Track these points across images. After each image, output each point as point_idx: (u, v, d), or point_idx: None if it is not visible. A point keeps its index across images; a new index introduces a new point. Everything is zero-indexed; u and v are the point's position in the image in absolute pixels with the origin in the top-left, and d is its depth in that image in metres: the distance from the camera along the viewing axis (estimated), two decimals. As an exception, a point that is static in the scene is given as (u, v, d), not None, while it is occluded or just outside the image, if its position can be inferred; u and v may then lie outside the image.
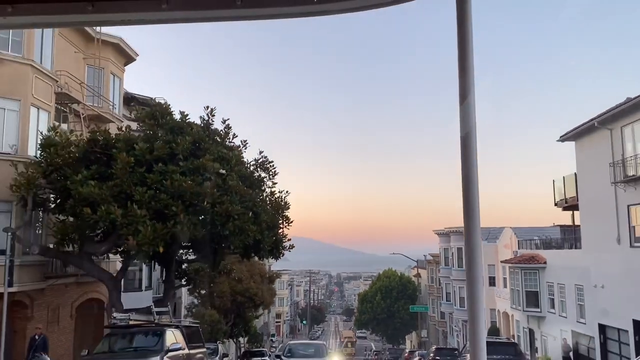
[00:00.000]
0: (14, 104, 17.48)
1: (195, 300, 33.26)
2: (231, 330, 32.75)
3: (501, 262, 36.36)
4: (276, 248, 19.06)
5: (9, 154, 17.27)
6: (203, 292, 30.79)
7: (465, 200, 1.96)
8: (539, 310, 30.37)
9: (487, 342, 11.03)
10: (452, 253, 51.82)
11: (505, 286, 37.52)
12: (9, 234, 16.80)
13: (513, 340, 26.93)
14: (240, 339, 38.26)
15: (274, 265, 52.26)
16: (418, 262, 63.89)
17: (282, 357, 19.59)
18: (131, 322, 14.20)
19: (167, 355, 12.12)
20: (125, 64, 26.54)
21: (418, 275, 69.20)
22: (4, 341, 17.20)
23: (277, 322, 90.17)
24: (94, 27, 23.54)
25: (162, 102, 18.85)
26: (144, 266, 26.28)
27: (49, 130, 17.48)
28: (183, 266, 23.17)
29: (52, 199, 17.16)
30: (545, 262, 30.18)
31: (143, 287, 27.94)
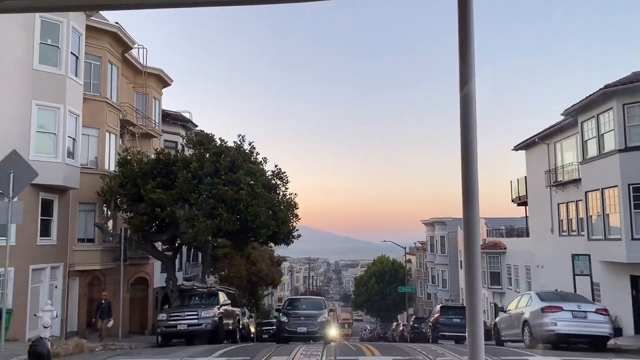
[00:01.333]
0: (94, 131, 23.43)
1: (214, 279, 39.42)
2: (246, 305, 39.01)
3: (483, 250, 42.48)
4: (288, 237, 25.14)
5: (93, 168, 23.28)
6: (222, 273, 36.88)
7: (464, 188, 1.88)
8: (500, 287, 36.63)
9: (448, 307, 19.48)
10: (436, 241, 58.11)
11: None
12: (96, 227, 22.96)
13: (464, 305, 33.14)
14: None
15: (278, 252, 58.49)
16: (407, 248, 70.24)
17: (283, 310, 20.05)
18: (195, 288, 20.24)
19: (220, 308, 18.19)
20: (163, 88, 32.43)
21: (409, 261, 75.54)
22: (79, 305, 23.39)
23: (278, 305, 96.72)
24: (140, 61, 29.46)
25: (208, 132, 24.58)
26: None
27: (123, 151, 23.55)
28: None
29: (126, 202, 23.17)
30: (505, 248, 36.43)
31: (176, 268, 34.16)
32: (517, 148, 32.09)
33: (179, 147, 25.33)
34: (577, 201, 24.74)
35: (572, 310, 12.95)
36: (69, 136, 20.34)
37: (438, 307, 26.91)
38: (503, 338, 17.15)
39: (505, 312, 17.55)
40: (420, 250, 68.78)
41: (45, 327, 13.44)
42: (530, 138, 29.79)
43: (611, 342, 14.43)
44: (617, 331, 18.74)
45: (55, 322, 17.88)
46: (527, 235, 32.60)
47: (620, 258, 20.11)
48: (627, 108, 19.71)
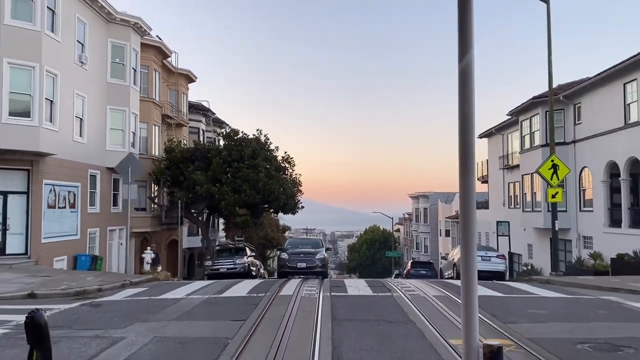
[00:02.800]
0: (145, 125, 29.80)
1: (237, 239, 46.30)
2: (256, 264, 46.06)
3: (445, 218, 49.63)
4: (294, 208, 31.81)
5: (144, 154, 29.73)
6: (241, 237, 43.69)
7: (461, 157, 1.97)
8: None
9: (417, 262, 28.41)
10: (420, 212, 65.11)
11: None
12: (148, 199, 29.59)
13: (430, 261, 40.23)
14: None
15: (283, 221, 65.46)
16: (396, 219, 77.34)
17: (285, 248, 21.04)
18: (229, 244, 27.05)
19: (248, 258, 24.94)
20: (189, 84, 38.61)
21: (397, 230, 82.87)
22: (135, 257, 30.18)
23: (279, 247, 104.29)
24: (173, 63, 35.54)
25: (235, 128, 30.97)
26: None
27: (168, 141, 30.03)
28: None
29: (170, 180, 29.70)
30: (454, 218, 43.39)
31: (199, 233, 40.99)
32: (481, 136, 38.62)
33: (213, 139, 31.96)
34: (518, 182, 31.47)
35: (481, 256, 19.67)
36: (132, 131, 26.80)
37: (410, 262, 33.89)
38: (445, 275, 24.12)
39: (446, 259, 24.47)
40: (407, 221, 75.96)
41: (147, 263, 20.14)
42: (490, 129, 36.33)
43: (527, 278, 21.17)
44: (538, 272, 25.72)
45: (122, 263, 24.64)
46: (488, 208, 39.45)
47: (542, 225, 26.94)
48: (549, 114, 26.24)
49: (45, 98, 18.63)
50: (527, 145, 28.63)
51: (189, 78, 37.78)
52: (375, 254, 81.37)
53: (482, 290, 14.26)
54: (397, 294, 13.12)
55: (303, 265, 18.99)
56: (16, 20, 17.73)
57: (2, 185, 18.72)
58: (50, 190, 20.23)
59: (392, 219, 66.22)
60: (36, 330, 2.07)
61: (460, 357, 7.13)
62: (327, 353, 7.21)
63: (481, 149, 39.76)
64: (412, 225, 69.37)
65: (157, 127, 31.33)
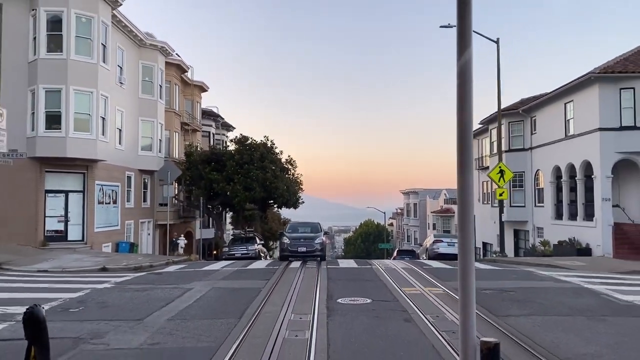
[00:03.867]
0: (167, 132, 34.24)
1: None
2: (260, 255, 50.72)
3: (431, 212, 54.30)
4: (295, 203, 36.34)
5: (167, 157, 34.16)
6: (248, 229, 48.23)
7: (459, 152, 1.95)
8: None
9: (402, 250, 34.05)
10: (411, 207, 69.74)
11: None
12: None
13: (413, 249, 44.88)
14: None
15: (284, 215, 70.01)
16: (389, 213, 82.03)
17: (286, 233, 21.93)
18: (241, 234, 31.66)
19: (257, 245, 29.47)
20: (202, 93, 43.02)
21: (390, 224, 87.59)
22: (159, 242, 34.73)
23: (280, 231, 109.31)
24: (189, 75, 39.91)
25: (245, 135, 35.45)
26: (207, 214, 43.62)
27: (187, 146, 34.49)
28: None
29: (189, 180, 34.15)
30: (454, 212, 47.95)
31: (211, 225, 45.54)
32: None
33: (222, 141, 36.44)
34: (488, 181, 36.07)
35: (447, 242, 24.19)
36: (159, 139, 31.26)
37: (396, 250, 38.52)
38: (420, 258, 28.73)
39: (421, 245, 29.10)
40: (399, 215, 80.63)
41: (181, 248, 24.64)
42: (473, 131, 40.92)
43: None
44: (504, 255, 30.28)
45: (147, 247, 29.17)
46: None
47: (505, 218, 31.46)
48: (511, 124, 30.82)
49: (100, 116, 23.10)
50: (495, 150, 33.21)
51: (202, 88, 42.18)
52: (369, 246, 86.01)
53: (441, 265, 18.93)
54: (375, 267, 17.73)
55: (303, 249, 20.18)
56: (79, 55, 22.14)
57: (65, 186, 23.20)
58: (100, 190, 24.72)
59: (384, 213, 70.82)
60: (35, 326, 1.96)
61: (405, 295, 11.67)
62: (324, 294, 11.75)
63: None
64: (404, 219, 74.03)
65: (177, 134, 35.79)
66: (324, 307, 10.12)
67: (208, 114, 45.16)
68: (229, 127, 50.77)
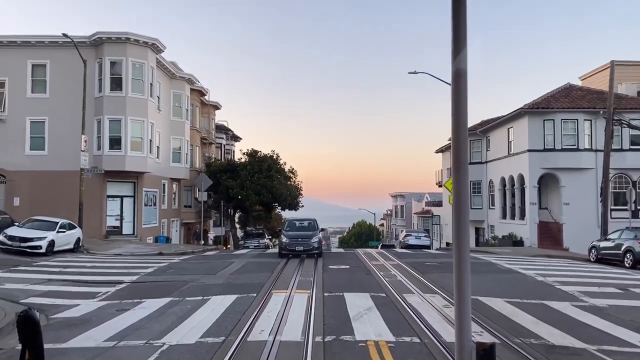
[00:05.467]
0: (191, 146, 40.79)
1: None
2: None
3: (414, 213, 61.02)
4: (296, 206, 42.97)
5: (190, 167, 40.68)
6: (258, 226, 54.83)
7: (455, 155, 1.99)
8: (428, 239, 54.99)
9: (385, 245, 41.94)
10: (398, 209, 76.45)
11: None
12: (197, 200, 40.70)
13: (393, 244, 51.57)
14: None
15: (285, 215, 76.66)
16: (379, 214, 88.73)
17: (284, 232, 22.16)
18: (253, 230, 38.28)
19: (266, 239, 36.01)
20: (216, 110, 49.57)
21: (381, 225, 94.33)
22: (184, 236, 41.30)
23: (279, 229, 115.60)
24: (207, 96, 46.48)
25: (256, 149, 42.03)
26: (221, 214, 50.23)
27: (207, 158, 41.09)
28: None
29: (209, 186, 40.67)
30: (432, 214, 54.69)
31: (222, 224, 52.14)
32: (437, 152, 49.93)
33: (232, 151, 43.26)
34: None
35: (415, 236, 30.92)
36: (185, 153, 37.84)
37: (380, 245, 45.15)
38: (396, 248, 35.44)
39: (397, 239, 35.79)
40: (388, 216, 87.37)
41: (211, 240, 31.20)
42: (442, 147, 47.69)
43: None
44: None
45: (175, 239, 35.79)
46: (441, 206, 50.81)
47: (471, 217, 38.26)
48: (471, 142, 37.57)
49: (148, 139, 29.69)
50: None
51: (216, 107, 48.77)
52: (361, 245, 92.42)
53: (405, 251, 25.64)
54: (356, 252, 24.44)
55: (301, 248, 20.61)
56: (134, 93, 28.68)
57: (121, 192, 29.73)
58: (145, 195, 31.26)
59: (374, 214, 77.48)
60: (30, 328, 1.96)
61: (371, 264, 18.34)
62: (321, 264, 18.35)
63: (438, 161, 50.80)
64: (392, 220, 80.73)
65: (197, 147, 42.35)
66: (321, 269, 16.78)
67: (220, 128, 51.69)
68: (236, 138, 57.35)
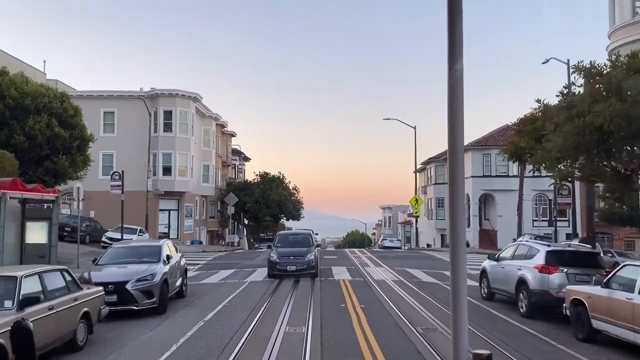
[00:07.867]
0: (214, 168, 50.12)
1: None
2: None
3: (398, 223, 70.39)
4: (298, 217, 52.24)
5: (215, 186, 49.92)
6: (268, 233, 64.06)
7: (451, 165, 2.03)
8: (410, 244, 64.20)
9: (370, 249, 51.17)
10: (387, 220, 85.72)
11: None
12: (221, 213, 50.03)
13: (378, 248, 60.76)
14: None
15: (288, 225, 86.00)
16: (371, 225, 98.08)
17: (274, 247, 19.29)
18: (265, 236, 47.57)
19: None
20: (232, 137, 58.98)
21: (373, 234, 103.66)
22: (209, 241, 50.58)
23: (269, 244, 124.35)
24: (224, 125, 55.92)
25: (267, 171, 51.39)
26: (235, 222, 59.60)
27: (228, 178, 50.53)
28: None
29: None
30: (412, 223, 63.96)
31: (235, 232, 61.37)
32: (414, 172, 59.39)
33: (244, 170, 53.02)
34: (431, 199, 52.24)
35: (389, 239, 40.19)
36: (212, 175, 47.20)
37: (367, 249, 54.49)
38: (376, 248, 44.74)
39: (376, 243, 45.14)
40: (379, 226, 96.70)
41: (236, 243, 40.43)
42: (418, 168, 57.20)
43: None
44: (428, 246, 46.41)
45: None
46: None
47: (433, 227, 47.48)
48: (437, 167, 47.02)
49: (190, 167, 39.11)
50: (428, 181, 49.38)
51: (232, 135, 58.26)
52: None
53: (379, 250, 35.06)
54: (344, 250, 33.81)
55: (293, 268, 17.77)
56: (180, 133, 38.11)
57: (169, 207, 39.04)
58: (185, 208, 40.54)
59: (365, 224, 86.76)
60: (23, 337, 1.89)
61: (352, 257, 27.62)
62: (319, 256, 27.73)
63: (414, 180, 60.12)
64: (382, 229, 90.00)
65: (219, 170, 51.76)
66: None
67: (234, 152, 61.16)
68: (247, 159, 66.94)
